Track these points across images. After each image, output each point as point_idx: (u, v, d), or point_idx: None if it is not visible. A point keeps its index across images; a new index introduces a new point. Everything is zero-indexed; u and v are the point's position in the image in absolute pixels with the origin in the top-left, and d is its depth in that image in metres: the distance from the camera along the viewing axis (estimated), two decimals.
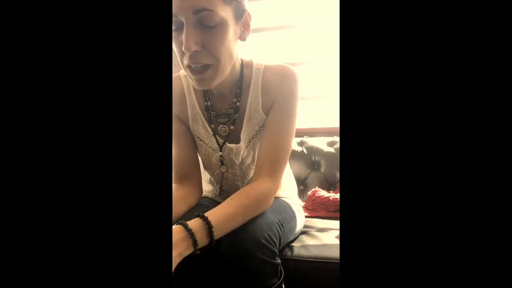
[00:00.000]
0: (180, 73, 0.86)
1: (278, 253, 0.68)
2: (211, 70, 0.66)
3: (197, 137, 0.86)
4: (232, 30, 0.66)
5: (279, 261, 0.68)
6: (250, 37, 0.73)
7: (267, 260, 0.64)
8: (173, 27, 0.64)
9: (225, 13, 0.63)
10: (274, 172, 0.74)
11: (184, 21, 0.62)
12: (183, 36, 0.62)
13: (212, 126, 0.83)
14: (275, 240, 0.68)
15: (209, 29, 0.63)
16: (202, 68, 0.66)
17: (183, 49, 0.62)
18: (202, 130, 0.84)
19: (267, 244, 0.65)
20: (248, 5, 0.70)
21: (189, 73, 0.68)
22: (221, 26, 0.63)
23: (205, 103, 0.82)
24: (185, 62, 0.66)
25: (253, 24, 0.72)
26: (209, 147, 0.85)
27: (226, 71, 0.70)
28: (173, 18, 0.62)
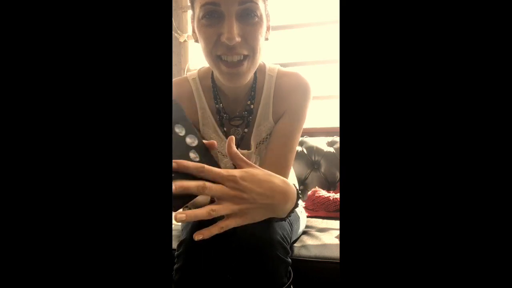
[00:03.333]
0: (187, 76, 0.85)
1: (290, 251, 0.70)
2: (247, 62, 0.67)
3: None
4: (265, 25, 0.68)
5: (290, 260, 0.69)
6: None
7: (281, 258, 0.65)
8: (205, 15, 0.64)
9: (262, 8, 0.66)
10: None
11: (225, 12, 0.62)
12: (225, 27, 0.62)
13: (225, 129, 0.82)
14: (287, 238, 0.69)
15: (249, 20, 0.64)
16: (238, 61, 0.66)
17: (224, 39, 0.62)
18: (213, 134, 0.83)
19: (281, 241, 0.66)
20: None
21: (222, 67, 0.67)
22: (260, 19, 0.65)
23: (216, 105, 0.81)
24: (219, 52, 0.66)
25: None
26: (218, 152, 0.84)
27: (256, 66, 0.71)
28: (211, 6, 0.62)
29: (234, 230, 0.67)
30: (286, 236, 0.69)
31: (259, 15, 0.65)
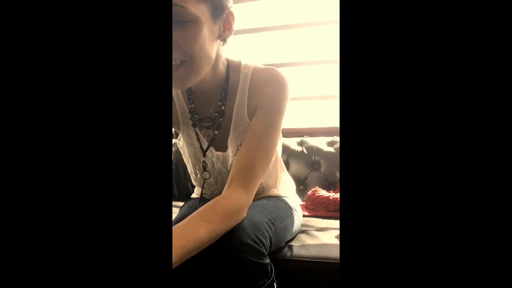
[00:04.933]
0: None
1: (266, 253, 0.67)
2: (184, 67, 0.64)
3: (188, 141, 0.84)
4: (208, 28, 0.64)
5: (268, 261, 0.66)
6: (250, 37, 0.71)
7: (254, 261, 0.62)
8: None
9: (199, 10, 0.61)
10: (249, 183, 0.68)
11: None
12: None
13: (196, 130, 0.81)
14: (263, 240, 0.66)
15: (180, 25, 0.61)
16: (175, 66, 0.64)
17: None
18: (193, 133, 0.82)
19: (253, 244, 0.63)
20: (231, 5, 0.68)
21: None
22: (193, 23, 0.61)
23: (189, 106, 0.80)
24: None
25: (252, 24, 0.69)
26: (198, 151, 0.84)
27: (202, 71, 0.67)
28: None
29: None
30: (261, 237, 0.65)
31: (191, 19, 0.61)
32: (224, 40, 0.70)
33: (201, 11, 0.62)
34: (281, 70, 0.80)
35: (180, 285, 0.67)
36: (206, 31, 0.64)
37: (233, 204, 0.64)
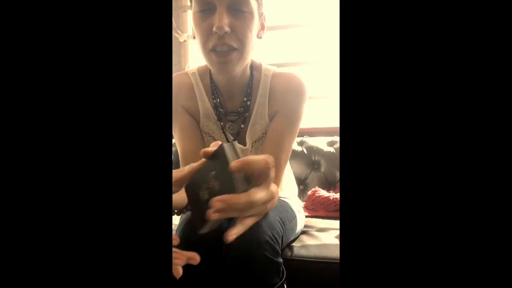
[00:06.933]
0: (187, 71, 0.86)
1: (280, 251, 0.69)
2: (236, 53, 0.69)
3: (207, 133, 0.86)
4: (256, 22, 0.70)
5: (281, 260, 0.68)
6: None
7: (270, 258, 0.64)
8: (199, 8, 0.67)
9: (254, 4, 0.68)
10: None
11: (216, 3, 0.65)
12: (216, 17, 0.65)
13: (221, 123, 0.83)
14: (277, 238, 0.68)
15: (239, 14, 0.66)
16: (227, 51, 0.68)
17: (215, 29, 0.65)
18: (214, 126, 0.84)
19: (270, 241, 0.65)
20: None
21: (213, 56, 0.69)
22: (250, 14, 0.68)
23: (214, 100, 0.82)
24: (211, 44, 0.68)
25: None
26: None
27: (246, 60, 0.72)
28: None
29: (223, 231, 0.67)
30: (276, 235, 0.68)
31: (249, 10, 0.67)
32: (260, 38, 0.76)
33: (255, 6, 0.69)
34: (281, 70, 0.82)
35: (196, 281, 0.68)
36: (255, 24, 0.71)
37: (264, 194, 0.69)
